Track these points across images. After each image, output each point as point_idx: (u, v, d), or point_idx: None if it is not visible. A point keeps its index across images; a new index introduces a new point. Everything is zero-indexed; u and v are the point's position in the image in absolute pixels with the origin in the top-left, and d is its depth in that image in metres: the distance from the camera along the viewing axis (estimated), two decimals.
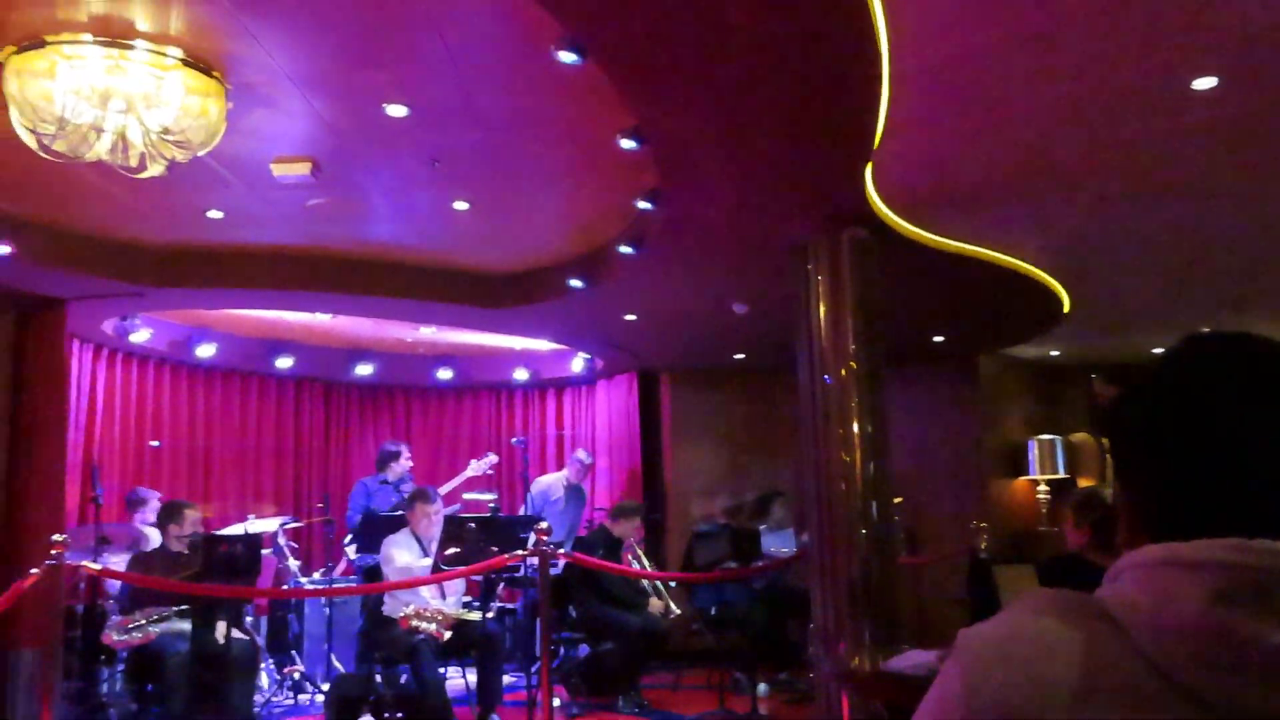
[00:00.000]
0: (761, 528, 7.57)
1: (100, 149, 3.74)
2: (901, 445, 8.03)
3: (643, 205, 5.04)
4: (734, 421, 9.26)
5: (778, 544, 7.24)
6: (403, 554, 5.91)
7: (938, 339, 8.19)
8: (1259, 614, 0.76)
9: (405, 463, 7.88)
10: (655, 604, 6.86)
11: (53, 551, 4.80)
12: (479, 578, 5.93)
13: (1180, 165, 4.66)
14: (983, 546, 7.17)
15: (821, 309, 5.14)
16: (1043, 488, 9.22)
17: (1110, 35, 3.51)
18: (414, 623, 5.58)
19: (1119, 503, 0.91)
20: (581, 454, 8.66)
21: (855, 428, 4.99)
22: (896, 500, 6.15)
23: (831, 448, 5.00)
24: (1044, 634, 0.82)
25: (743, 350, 8.55)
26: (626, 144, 4.27)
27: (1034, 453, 9.20)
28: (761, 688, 6.41)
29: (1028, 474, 9.22)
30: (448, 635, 5.64)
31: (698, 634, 7.09)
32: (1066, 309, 7.17)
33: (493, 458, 8.23)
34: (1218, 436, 0.83)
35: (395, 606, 5.76)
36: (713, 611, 6.83)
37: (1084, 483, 9.05)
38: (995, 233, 5.65)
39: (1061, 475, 9.14)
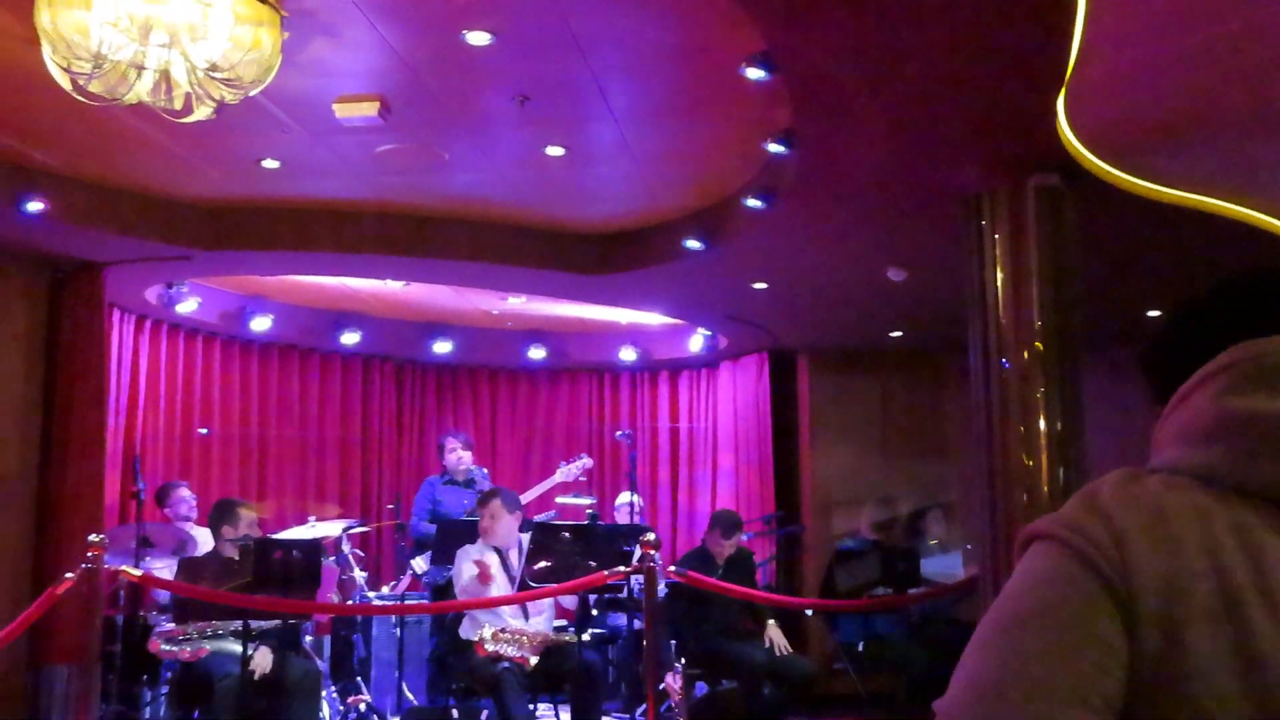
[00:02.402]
0: (924, 546, 7.50)
1: (141, 89, 3.95)
2: (1104, 448, 7.84)
3: (774, 149, 5.05)
4: (888, 414, 9.16)
5: (941, 567, 7.16)
6: (474, 569, 6.06)
7: (1154, 314, 7.93)
8: (1265, 394, 1.01)
9: (453, 455, 7.99)
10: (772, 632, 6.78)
11: (90, 554, 5.11)
12: (573, 597, 6.06)
13: None
14: None
15: (999, 275, 5.10)
16: None
17: None
18: (491, 647, 5.73)
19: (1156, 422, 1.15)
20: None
21: (1040, 424, 4.94)
22: None
23: (1009, 448, 4.96)
24: (1134, 497, 1.03)
25: (900, 327, 8.45)
26: (754, 74, 4.29)
27: None
28: None
29: None
30: (534, 661, 5.79)
31: (841, 674, 7.08)
32: None
33: (586, 461, 8.28)
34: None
35: (472, 628, 5.93)
36: (859, 647, 6.81)
37: None
38: (1233, 179, 5.44)
39: None
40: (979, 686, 0.98)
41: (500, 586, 6.05)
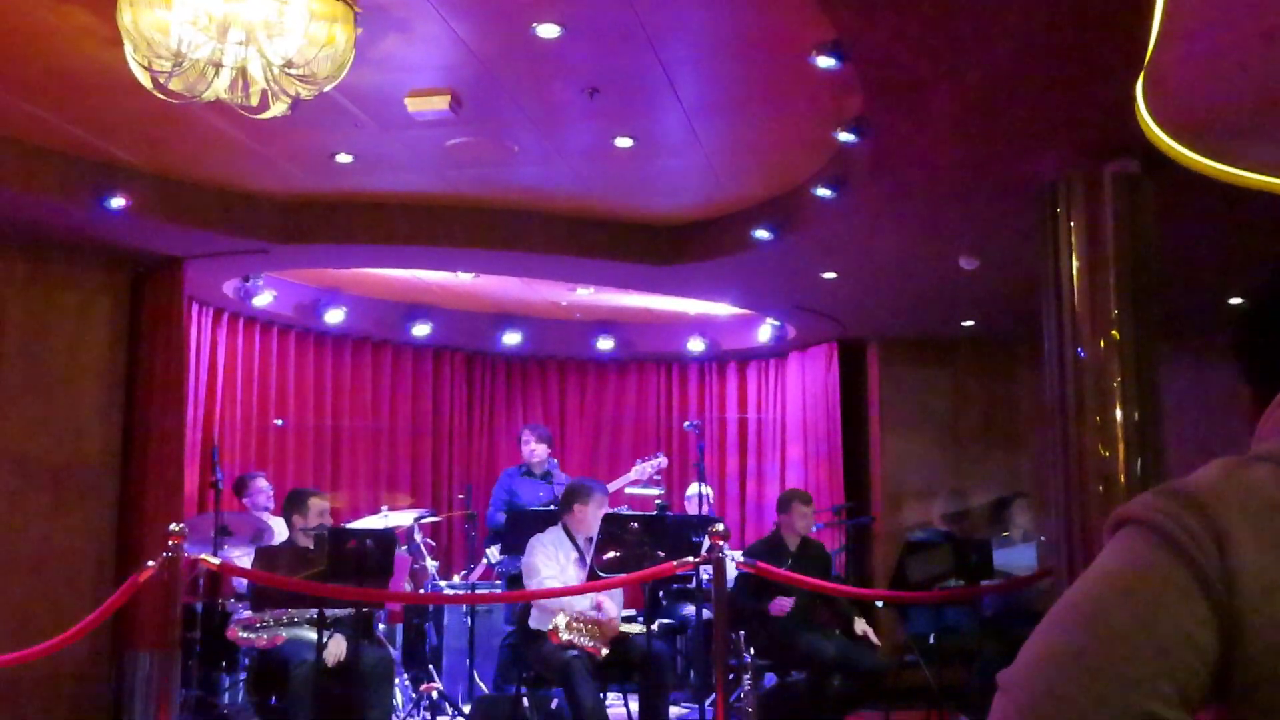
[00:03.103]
0: (1000, 538, 7.41)
1: (219, 86, 4.03)
2: (1184, 439, 7.69)
3: (845, 138, 5.02)
4: (960, 405, 9.07)
5: (1014, 559, 7.08)
6: (549, 564, 6.09)
7: (1235, 301, 7.76)
8: None
9: (527, 448, 8.07)
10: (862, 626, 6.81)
11: (170, 542, 5.23)
12: (643, 588, 6.08)
13: None
14: None
15: (1075, 263, 5.05)
16: None
17: None
18: (565, 636, 5.77)
19: (1257, 401, 1.14)
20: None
21: (1118, 414, 4.88)
22: None
23: (1085, 439, 4.91)
24: (1243, 488, 0.99)
25: (972, 316, 8.36)
26: (824, 62, 4.26)
27: None
28: None
29: None
30: (605, 652, 5.82)
31: (912, 667, 7.03)
32: None
33: (662, 460, 8.33)
34: None
35: (543, 619, 5.97)
36: (931, 640, 6.76)
37: None
38: None
39: None
40: (1045, 661, 0.97)
41: (574, 576, 6.10)
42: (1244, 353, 1.19)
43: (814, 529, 7.38)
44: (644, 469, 8.24)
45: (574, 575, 6.10)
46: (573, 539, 6.25)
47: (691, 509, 8.42)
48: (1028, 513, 7.61)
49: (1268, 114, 4.77)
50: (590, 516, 6.22)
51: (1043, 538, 7.40)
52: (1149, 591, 0.96)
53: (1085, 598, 0.99)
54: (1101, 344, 4.93)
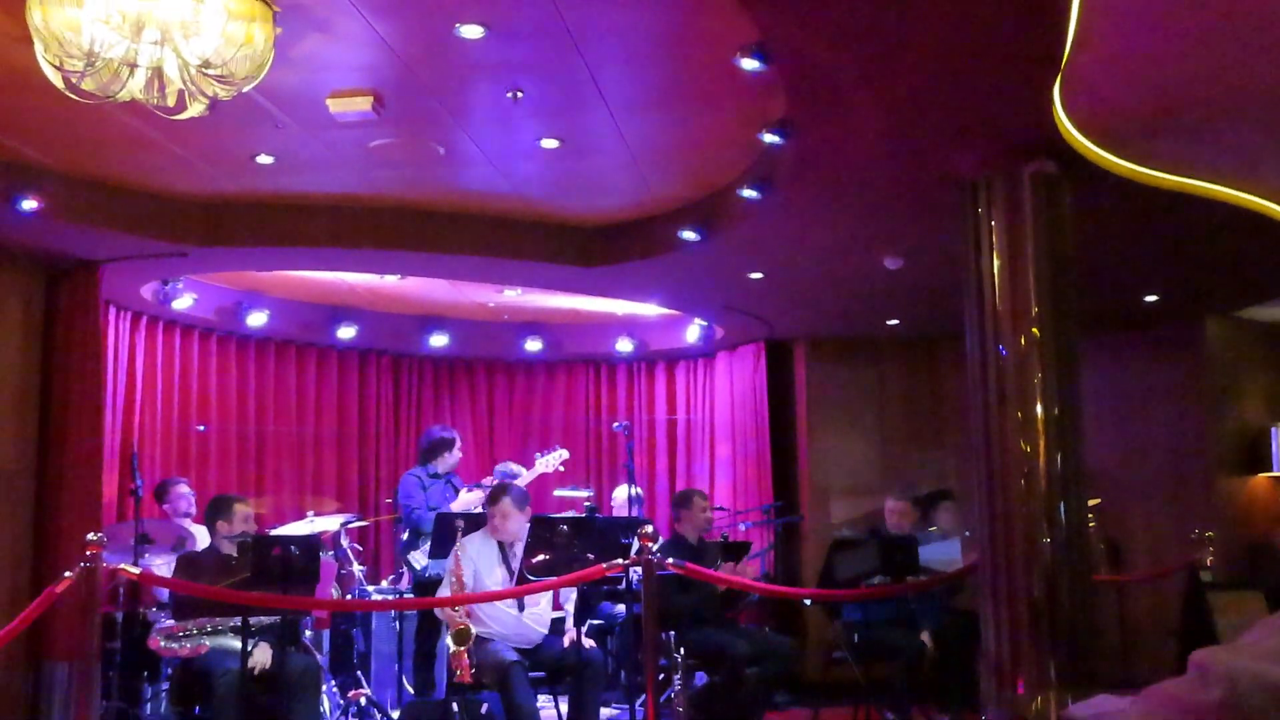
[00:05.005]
0: (925, 534, 7.51)
1: (134, 87, 3.95)
2: (1102, 433, 7.87)
3: (769, 139, 5.04)
4: (885, 403, 9.19)
5: (940, 554, 7.17)
6: (471, 568, 6.07)
7: (1150, 298, 7.95)
8: None
9: (459, 453, 8.10)
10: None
11: (89, 552, 5.11)
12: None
13: None
14: (1208, 562, 6.99)
15: (996, 262, 5.10)
16: None
17: None
18: (458, 646, 5.72)
19: None
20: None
21: (1038, 410, 4.95)
22: (1093, 502, 6.03)
23: (1008, 435, 4.97)
24: None
25: (896, 315, 8.47)
26: (748, 64, 4.29)
27: (1278, 443, 8.87)
28: None
29: (1270, 469, 8.91)
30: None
31: (839, 663, 7.10)
32: None
33: (562, 453, 8.29)
34: None
35: (449, 615, 5.92)
36: (856, 637, 6.82)
37: None
38: (1230, 164, 5.46)
39: None
40: None
41: (500, 581, 6.08)
42: None
43: (711, 528, 7.37)
44: (547, 461, 8.20)
45: (502, 579, 6.08)
46: (499, 543, 6.24)
47: (621, 512, 8.40)
48: (951, 513, 7.71)
49: (1180, 116, 4.89)
50: (503, 516, 6.19)
51: (967, 533, 7.51)
52: None
53: None
54: (1022, 341, 5.00)
